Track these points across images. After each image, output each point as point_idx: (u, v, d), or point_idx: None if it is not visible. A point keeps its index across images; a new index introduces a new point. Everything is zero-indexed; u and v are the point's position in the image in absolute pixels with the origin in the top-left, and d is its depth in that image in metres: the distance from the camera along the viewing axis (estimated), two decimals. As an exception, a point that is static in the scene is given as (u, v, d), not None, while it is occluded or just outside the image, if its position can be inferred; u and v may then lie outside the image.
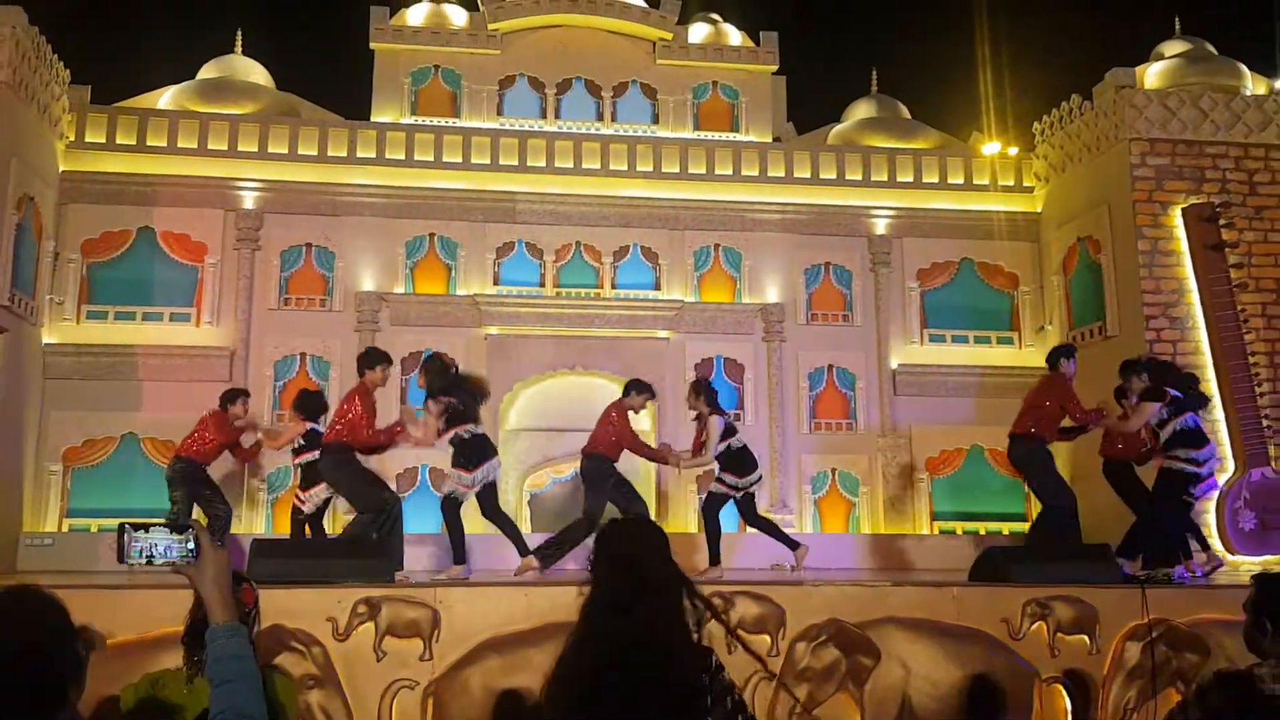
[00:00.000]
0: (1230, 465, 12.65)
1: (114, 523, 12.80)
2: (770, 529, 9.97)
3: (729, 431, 9.79)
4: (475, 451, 9.08)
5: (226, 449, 10.56)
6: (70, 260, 13.62)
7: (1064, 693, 6.90)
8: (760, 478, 10.01)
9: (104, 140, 14.03)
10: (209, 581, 2.38)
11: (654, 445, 11.40)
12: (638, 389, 9.94)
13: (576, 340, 14.39)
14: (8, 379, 12.30)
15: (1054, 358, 9.77)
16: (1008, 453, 9.79)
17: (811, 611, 6.84)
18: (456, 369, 9.60)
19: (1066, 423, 9.78)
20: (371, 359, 9.16)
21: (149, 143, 14.08)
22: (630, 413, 9.92)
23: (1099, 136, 14.23)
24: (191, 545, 2.37)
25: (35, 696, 2.19)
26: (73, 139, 13.93)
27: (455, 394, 9.08)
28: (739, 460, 9.76)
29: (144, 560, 2.36)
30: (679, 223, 15.02)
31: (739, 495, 9.81)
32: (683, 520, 13.92)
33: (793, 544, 9.86)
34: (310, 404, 10.58)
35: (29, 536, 12.46)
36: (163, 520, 2.43)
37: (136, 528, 2.38)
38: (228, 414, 10.43)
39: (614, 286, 14.82)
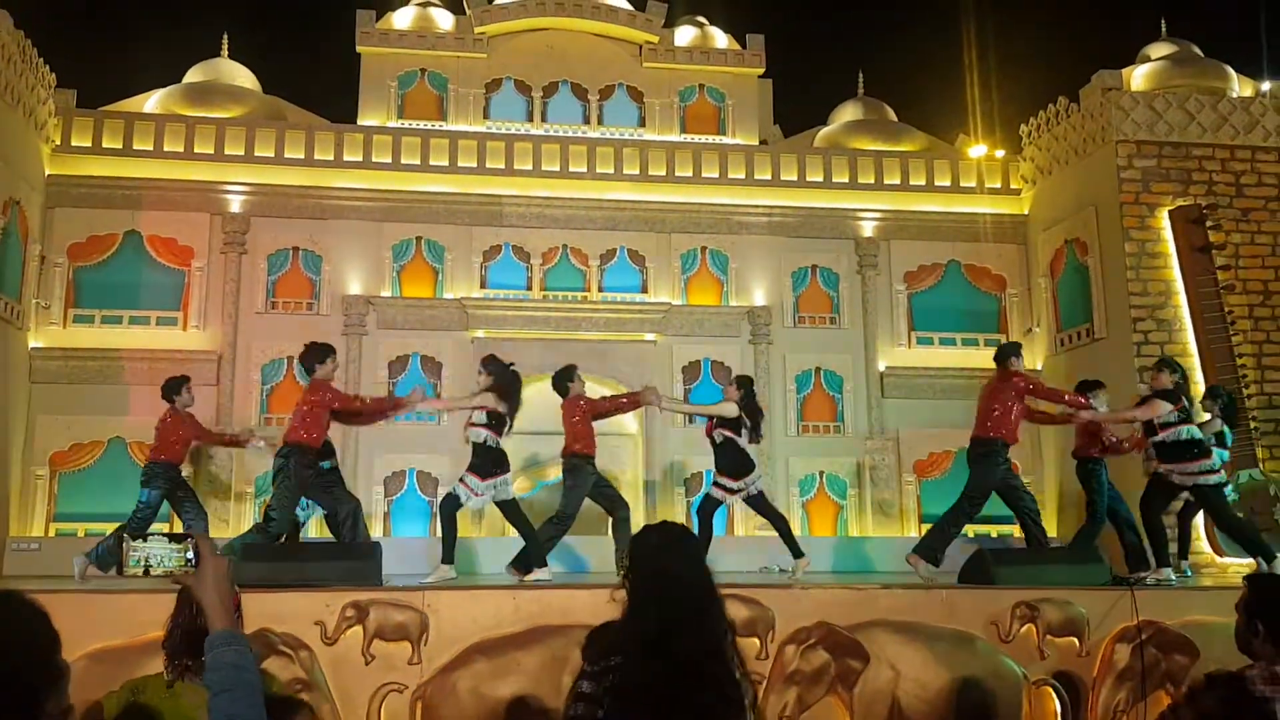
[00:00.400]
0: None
1: (101, 527, 12.81)
2: (782, 527, 9.71)
3: (737, 425, 9.59)
4: (494, 462, 8.98)
5: (198, 440, 10.32)
6: (56, 264, 13.56)
7: (1053, 695, 6.89)
8: (759, 477, 9.82)
9: (90, 144, 13.97)
10: (209, 590, 2.35)
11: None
12: (567, 376, 9.85)
13: (563, 343, 14.35)
14: (-8, 383, 12.24)
15: (1003, 356, 9.21)
16: (967, 454, 9.34)
17: (800, 614, 6.82)
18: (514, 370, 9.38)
19: (1048, 408, 9.70)
20: (321, 353, 8.84)
21: (135, 146, 14.04)
22: (582, 400, 9.78)
23: (1086, 139, 14.27)
24: (191, 555, 2.35)
25: (7, 704, 2.16)
26: (58, 143, 13.87)
27: (511, 402, 9.07)
28: (737, 461, 9.63)
29: (141, 570, 2.33)
30: (666, 225, 15.02)
31: (739, 498, 9.69)
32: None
33: (798, 551, 9.61)
34: None
35: (15, 541, 12.38)
36: (162, 530, 2.40)
37: (134, 536, 2.36)
38: (176, 405, 10.14)
39: (601, 289, 14.82)
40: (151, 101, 14.95)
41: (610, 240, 14.90)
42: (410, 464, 13.80)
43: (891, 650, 6.70)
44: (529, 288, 14.67)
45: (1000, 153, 16.01)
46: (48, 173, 13.72)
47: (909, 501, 14.68)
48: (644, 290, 14.90)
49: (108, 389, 13.34)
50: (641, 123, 15.56)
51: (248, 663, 2.32)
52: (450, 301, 14.31)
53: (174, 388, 10.09)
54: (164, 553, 2.35)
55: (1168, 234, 13.47)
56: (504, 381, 9.06)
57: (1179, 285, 13.34)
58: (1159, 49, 15.03)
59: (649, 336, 14.60)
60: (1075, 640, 7.06)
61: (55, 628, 2.36)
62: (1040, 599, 7.09)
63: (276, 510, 8.52)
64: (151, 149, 14.05)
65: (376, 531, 13.32)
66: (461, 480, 9.02)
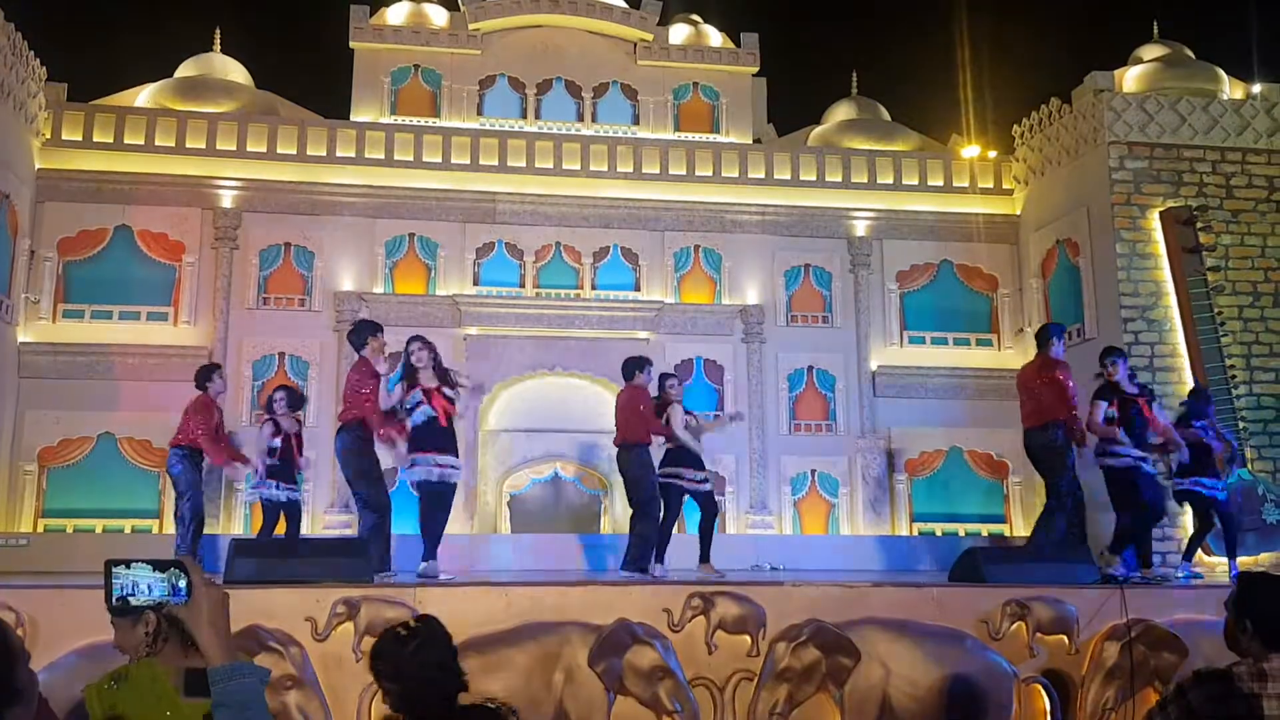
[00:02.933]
0: (1207, 467, 12.72)
1: (90, 523, 12.78)
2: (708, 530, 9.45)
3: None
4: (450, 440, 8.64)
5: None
6: (46, 259, 13.51)
7: (1043, 692, 6.90)
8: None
9: (81, 138, 13.93)
10: (204, 624, 2.15)
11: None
12: (638, 366, 9.37)
13: (556, 341, 14.37)
14: (-18, 378, 12.20)
15: (1043, 337, 8.87)
16: (1025, 446, 8.98)
17: (792, 612, 6.82)
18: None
19: None
20: (372, 328, 8.76)
21: (126, 141, 13.99)
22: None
23: (1078, 140, 14.31)
24: (183, 583, 2.12)
25: None
26: (49, 136, 13.82)
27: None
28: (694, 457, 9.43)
29: (119, 599, 2.10)
30: (659, 224, 15.02)
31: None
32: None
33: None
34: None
35: (3, 537, 12.33)
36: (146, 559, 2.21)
37: (117, 564, 2.11)
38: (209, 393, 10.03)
39: (594, 287, 14.81)
40: (143, 96, 14.91)
41: (603, 238, 14.90)
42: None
43: (882, 648, 6.70)
44: (522, 285, 14.65)
45: (993, 153, 16.04)
46: (38, 167, 13.67)
47: (900, 500, 14.70)
48: (637, 288, 14.90)
49: (97, 384, 13.30)
50: (635, 120, 15.56)
51: (254, 698, 2.18)
52: (443, 298, 14.29)
53: (207, 374, 9.98)
54: (148, 581, 2.11)
55: (1158, 235, 13.51)
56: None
57: (1169, 286, 13.39)
58: (1151, 51, 15.06)
59: (642, 334, 14.60)
60: (1065, 638, 7.07)
61: (15, 642, 2.22)
62: (1030, 597, 7.10)
63: (365, 492, 8.32)
64: (143, 143, 14.01)
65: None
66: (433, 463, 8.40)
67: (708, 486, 9.45)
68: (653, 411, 9.15)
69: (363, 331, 8.78)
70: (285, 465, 10.04)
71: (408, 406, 8.46)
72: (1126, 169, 13.67)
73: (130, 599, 2.10)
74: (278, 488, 9.97)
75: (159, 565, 2.13)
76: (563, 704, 6.21)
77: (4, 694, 2.17)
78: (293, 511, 10.07)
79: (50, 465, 13.11)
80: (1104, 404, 8.80)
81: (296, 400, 10.48)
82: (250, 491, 10.27)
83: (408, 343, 8.69)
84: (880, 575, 11.05)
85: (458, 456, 8.62)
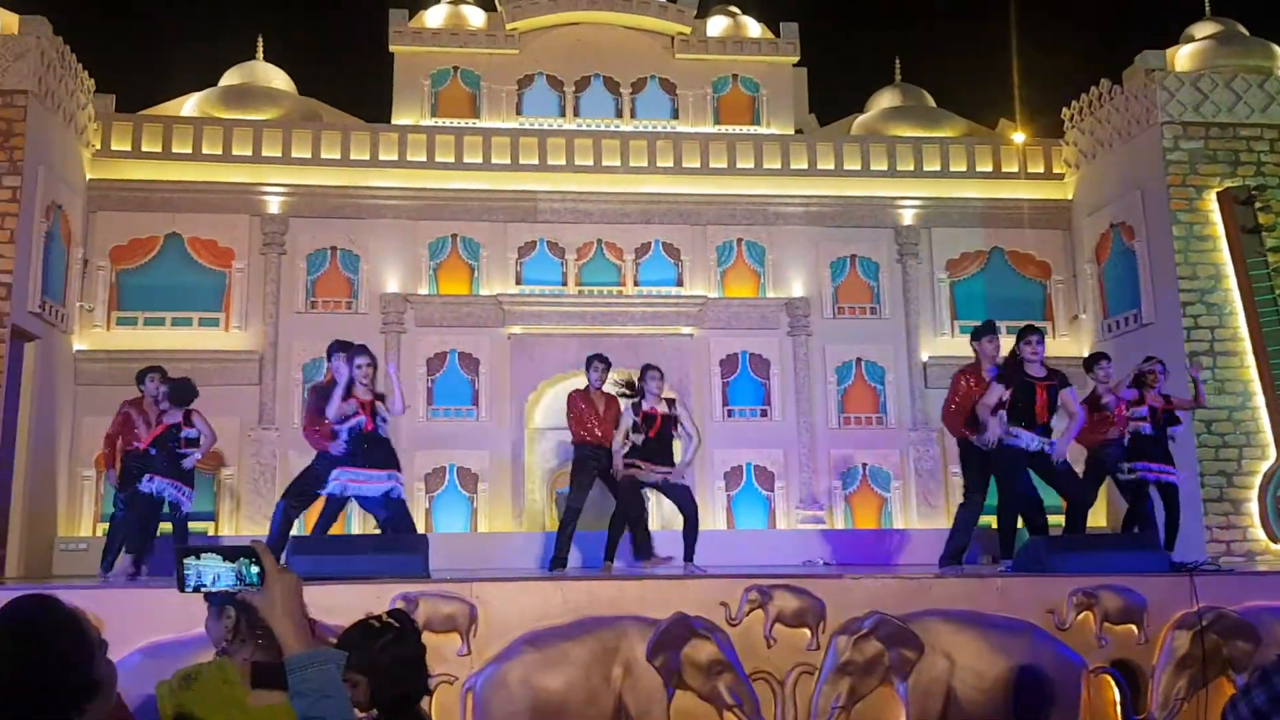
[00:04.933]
0: (1271, 453, 12.45)
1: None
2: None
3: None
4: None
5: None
6: (99, 267, 13.68)
7: (1113, 683, 6.76)
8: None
9: (129, 148, 14.09)
10: (279, 611, 2.12)
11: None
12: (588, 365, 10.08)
13: (600, 338, 14.23)
14: (40, 385, 12.35)
15: (974, 336, 9.28)
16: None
17: (852, 605, 6.72)
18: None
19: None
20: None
21: (174, 150, 14.14)
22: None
23: (1130, 121, 14.02)
24: (254, 571, 2.11)
25: (36, 714, 2.06)
26: (99, 147, 13.99)
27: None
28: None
29: (192, 588, 2.11)
30: (701, 218, 14.92)
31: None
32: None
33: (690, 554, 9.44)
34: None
35: (64, 541, 12.51)
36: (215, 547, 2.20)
37: (187, 553, 2.12)
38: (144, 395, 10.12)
39: (636, 284, 14.74)
40: (189, 105, 15.05)
41: (645, 234, 14.82)
42: (450, 460, 13.82)
43: (946, 640, 6.59)
44: (564, 283, 14.62)
45: (1042, 137, 15.75)
46: (89, 177, 13.83)
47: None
48: (680, 283, 14.81)
49: (151, 391, 13.40)
50: (675, 115, 15.48)
51: (333, 686, 2.13)
52: (486, 298, 14.30)
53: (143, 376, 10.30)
54: (217, 571, 2.11)
55: (1216, 216, 13.19)
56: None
57: (1229, 268, 13.06)
58: (1203, 28, 14.73)
59: (685, 330, 14.52)
60: (1134, 627, 6.91)
61: (93, 635, 2.22)
62: (1097, 586, 6.94)
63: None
64: (190, 152, 14.14)
65: (419, 527, 13.35)
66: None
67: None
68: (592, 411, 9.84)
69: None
70: (161, 458, 9.80)
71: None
72: (1181, 150, 13.37)
73: (201, 588, 2.10)
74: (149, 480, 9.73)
75: (228, 554, 2.12)
76: (621, 698, 6.16)
77: (83, 686, 2.14)
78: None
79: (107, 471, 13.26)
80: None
81: (174, 393, 10.02)
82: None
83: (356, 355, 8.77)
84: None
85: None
